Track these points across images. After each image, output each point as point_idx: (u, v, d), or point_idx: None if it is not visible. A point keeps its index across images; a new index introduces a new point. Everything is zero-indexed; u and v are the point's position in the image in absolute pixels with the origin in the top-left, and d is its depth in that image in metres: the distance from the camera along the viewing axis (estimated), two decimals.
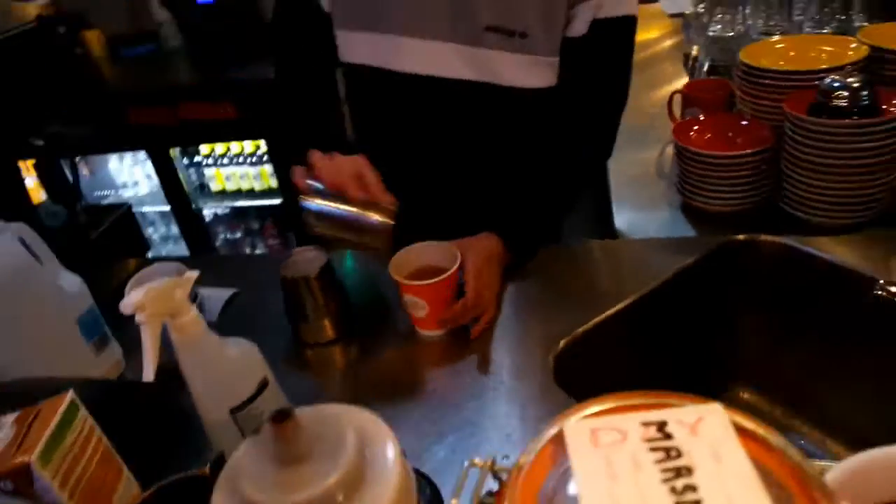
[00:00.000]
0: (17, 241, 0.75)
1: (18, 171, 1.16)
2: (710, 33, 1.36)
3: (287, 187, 2.34)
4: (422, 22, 0.88)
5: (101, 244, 1.20)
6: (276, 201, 2.47)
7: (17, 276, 0.73)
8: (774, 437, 0.25)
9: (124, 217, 1.27)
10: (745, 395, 0.97)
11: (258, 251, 2.66)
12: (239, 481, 0.24)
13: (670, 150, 1.26)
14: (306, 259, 0.86)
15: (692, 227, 1.03)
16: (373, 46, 0.92)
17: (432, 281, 0.79)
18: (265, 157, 2.39)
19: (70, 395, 0.55)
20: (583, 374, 0.78)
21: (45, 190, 1.96)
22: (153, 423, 0.73)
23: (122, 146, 2.42)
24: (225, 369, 0.66)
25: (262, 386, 0.69)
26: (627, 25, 0.89)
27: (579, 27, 0.86)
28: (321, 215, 0.79)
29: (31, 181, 1.59)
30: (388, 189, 0.78)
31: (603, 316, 0.83)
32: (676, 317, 0.91)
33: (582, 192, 0.98)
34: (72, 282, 0.81)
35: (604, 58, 0.90)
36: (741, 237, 0.92)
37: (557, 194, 0.94)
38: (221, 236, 2.64)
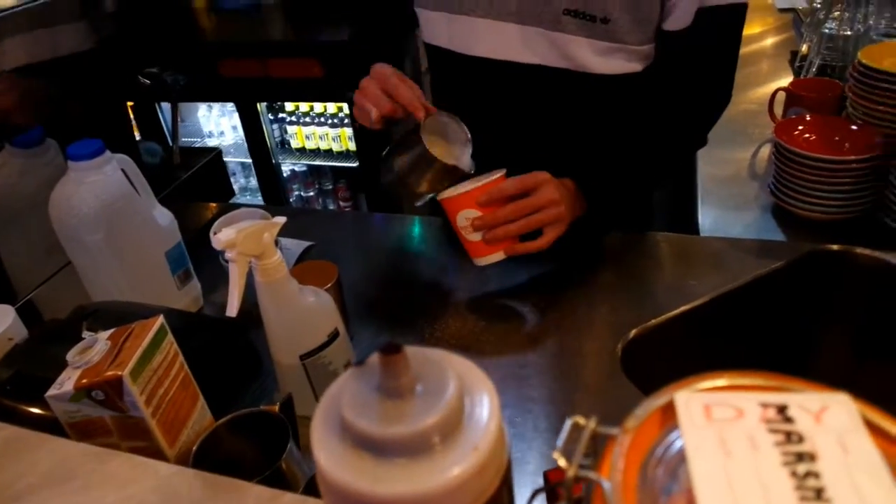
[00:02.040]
0: (119, 171, 0.79)
1: (125, 109, 1.22)
2: (826, 31, 1.28)
3: (364, 152, 2.37)
4: (498, 4, 0.86)
5: (191, 185, 1.25)
6: (352, 164, 2.51)
7: (118, 203, 0.77)
8: None
9: (214, 161, 1.32)
10: None
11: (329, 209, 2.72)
12: (340, 408, 0.25)
13: (765, 150, 1.20)
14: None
15: (782, 231, 0.99)
16: (449, 28, 0.91)
17: (479, 183, 0.78)
18: (346, 120, 2.42)
19: (160, 319, 0.57)
20: (650, 367, 0.77)
21: (140, 130, 2.06)
22: (227, 358, 0.76)
23: (212, 96, 2.50)
24: (300, 315, 0.68)
25: (333, 336, 0.70)
26: (737, 14, 0.84)
27: (682, 18, 0.81)
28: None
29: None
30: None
31: (678, 311, 0.81)
32: (753, 322, 0.87)
33: (667, 181, 0.94)
34: (164, 216, 0.85)
35: (709, 50, 0.85)
36: (835, 247, 0.87)
37: (641, 166, 0.89)
38: (296, 192, 2.71)
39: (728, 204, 1.07)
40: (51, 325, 0.75)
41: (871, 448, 0.21)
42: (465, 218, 0.80)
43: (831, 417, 0.22)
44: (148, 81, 1.20)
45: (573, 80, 0.86)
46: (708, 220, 1.04)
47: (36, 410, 0.61)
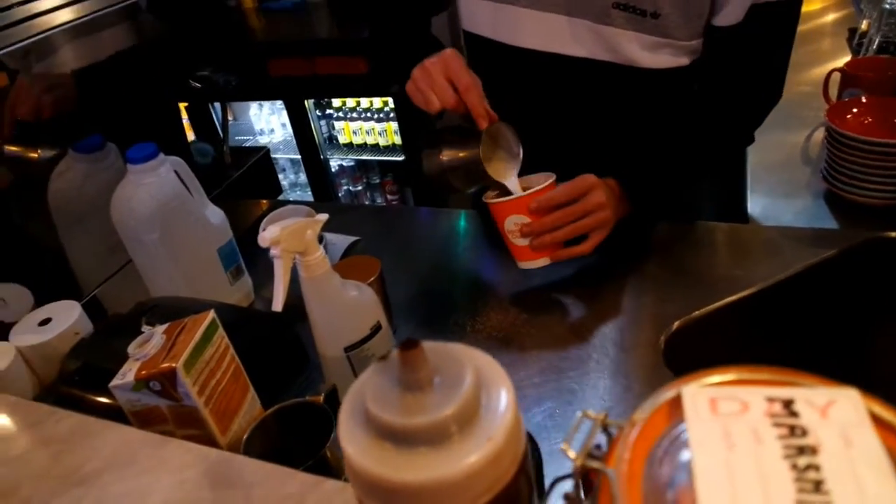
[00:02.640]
0: (173, 172, 0.83)
1: (178, 110, 1.27)
2: (887, 6, 1.22)
3: (409, 146, 2.40)
4: None
5: (241, 183, 1.30)
6: (399, 158, 2.54)
7: (172, 203, 0.81)
8: None
9: (263, 160, 1.37)
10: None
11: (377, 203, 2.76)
12: (364, 400, 0.26)
13: (819, 134, 1.16)
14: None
15: (835, 219, 0.95)
16: (493, 17, 0.90)
17: (531, 190, 0.79)
18: (392, 115, 2.45)
19: (212, 313, 0.61)
20: (693, 360, 0.76)
21: (194, 130, 2.14)
22: (275, 351, 0.79)
23: (262, 95, 2.57)
24: (343, 309, 0.70)
25: (376, 329, 0.72)
26: (792, 9, 0.80)
27: (734, 13, 0.79)
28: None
29: (185, 121, 1.76)
30: None
31: (723, 302, 0.79)
32: (804, 314, 0.85)
33: (714, 171, 0.92)
34: (216, 214, 0.89)
35: (760, 47, 0.82)
36: (892, 234, 0.84)
37: (685, 163, 0.88)
38: (344, 187, 2.77)
39: (778, 190, 1.04)
40: (114, 320, 0.80)
41: (874, 442, 0.21)
42: (513, 223, 0.81)
43: (837, 412, 0.22)
44: (199, 85, 1.25)
45: (618, 73, 0.85)
46: (758, 207, 1.01)
47: (102, 399, 0.66)
